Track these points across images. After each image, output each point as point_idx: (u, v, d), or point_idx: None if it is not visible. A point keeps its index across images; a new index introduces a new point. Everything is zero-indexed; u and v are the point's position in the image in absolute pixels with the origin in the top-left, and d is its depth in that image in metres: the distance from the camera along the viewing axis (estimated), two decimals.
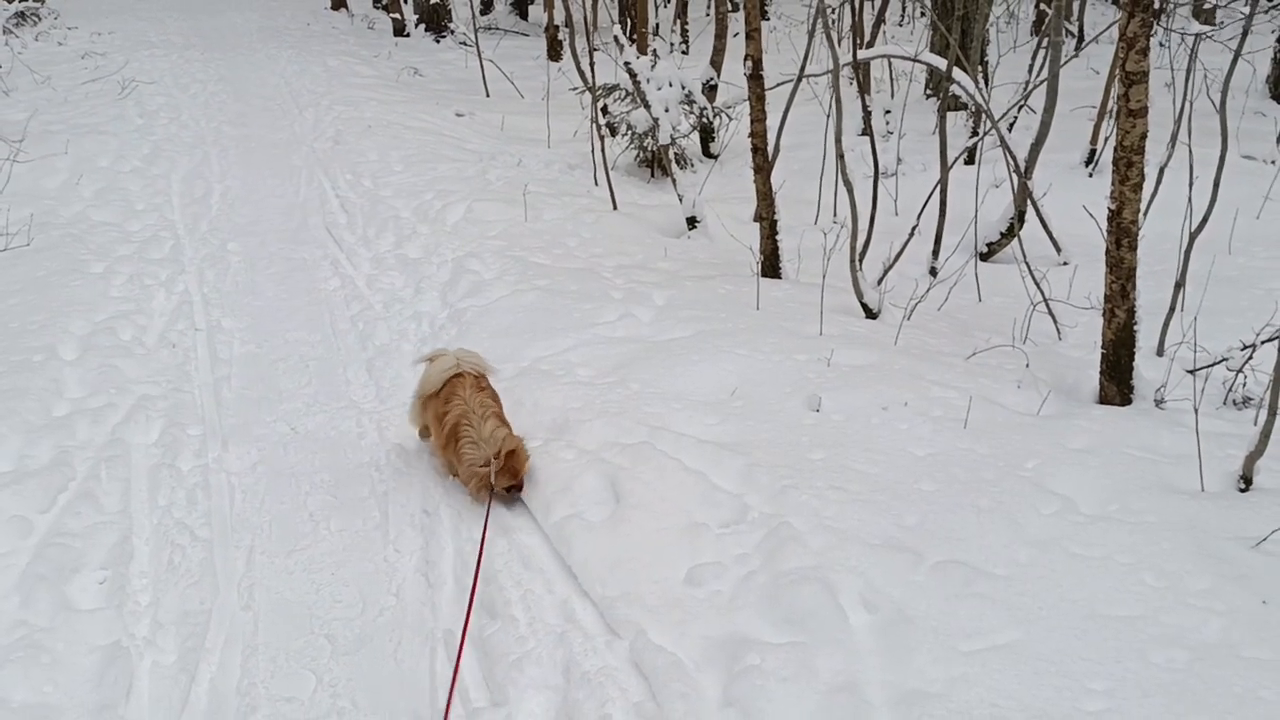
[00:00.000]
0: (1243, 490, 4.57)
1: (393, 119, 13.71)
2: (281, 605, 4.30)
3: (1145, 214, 6.43)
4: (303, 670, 3.92)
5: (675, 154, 11.11)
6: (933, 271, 8.24)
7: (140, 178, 10.88)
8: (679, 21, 18.94)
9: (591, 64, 11.14)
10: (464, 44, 18.59)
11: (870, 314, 7.27)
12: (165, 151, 11.98)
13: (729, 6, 14.74)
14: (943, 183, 8.24)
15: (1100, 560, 4.15)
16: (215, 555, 4.59)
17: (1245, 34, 6.81)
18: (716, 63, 13.22)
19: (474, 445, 4.92)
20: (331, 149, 12.40)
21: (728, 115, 12.59)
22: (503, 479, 4.87)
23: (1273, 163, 10.07)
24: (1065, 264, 8.45)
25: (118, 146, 11.85)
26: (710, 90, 12.76)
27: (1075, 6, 15.55)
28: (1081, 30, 15.05)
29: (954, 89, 8.70)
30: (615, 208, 10.35)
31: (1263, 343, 5.46)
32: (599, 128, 11.25)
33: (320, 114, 14.08)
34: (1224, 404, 5.71)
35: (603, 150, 11.08)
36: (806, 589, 4.05)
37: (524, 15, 24.22)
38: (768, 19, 19.10)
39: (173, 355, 6.68)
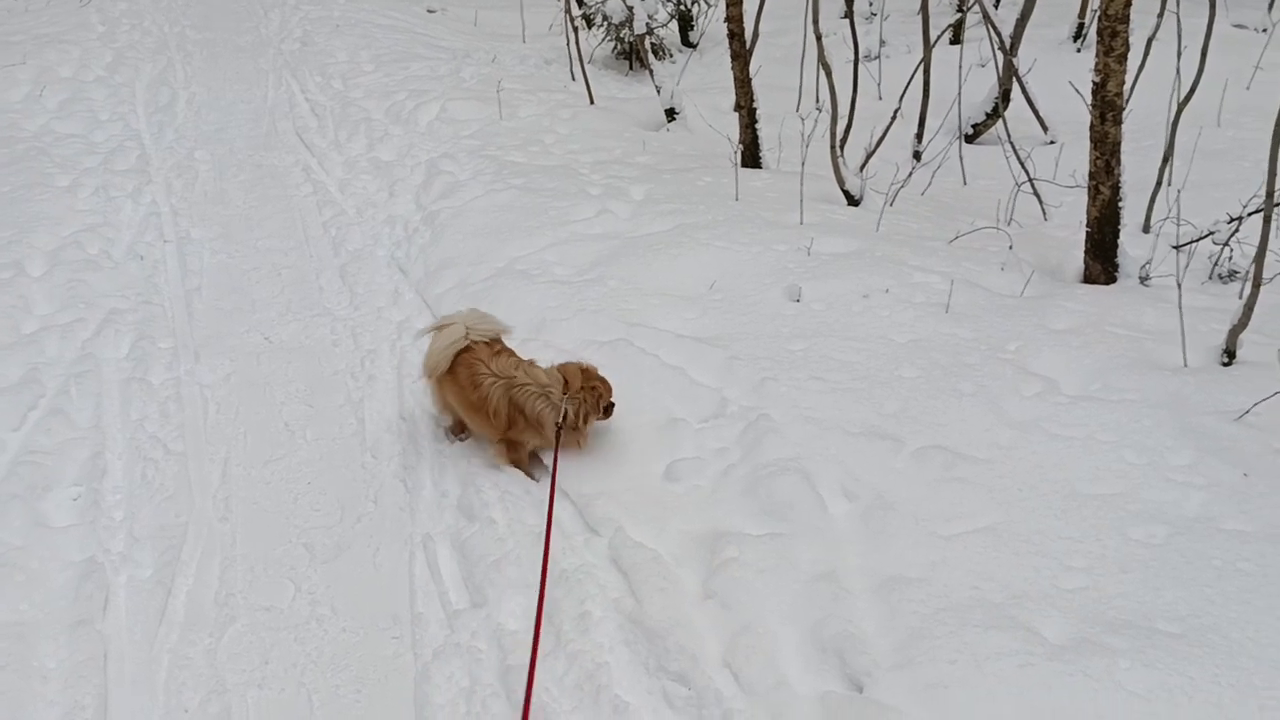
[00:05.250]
0: (1225, 364, 4.51)
1: (362, 17, 13.33)
2: (259, 516, 4.27)
3: (1133, 87, 6.27)
4: (281, 579, 3.90)
5: (653, 44, 10.83)
6: (916, 155, 8.07)
7: (104, 87, 10.58)
8: None
9: None
10: None
11: (852, 201, 7.13)
12: (129, 59, 11.63)
13: None
14: (925, 62, 8.01)
15: (1082, 440, 4.12)
16: (190, 468, 4.54)
17: None
18: None
19: (544, 400, 4.34)
20: (299, 50, 12.07)
21: (706, 1, 12.22)
22: (600, 399, 4.39)
23: (1264, 31, 9.81)
24: (1052, 143, 8.28)
25: (80, 55, 11.48)
26: None
27: None
28: None
29: None
30: (592, 102, 10.10)
31: (1249, 215, 5.35)
32: (573, 19, 10.92)
33: (287, 14, 13.67)
34: (1209, 278, 5.63)
35: (578, 43, 10.76)
36: (786, 480, 4.01)
37: None
38: None
39: (142, 268, 6.55)
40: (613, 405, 4.46)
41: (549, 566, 3.66)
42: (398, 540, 4.10)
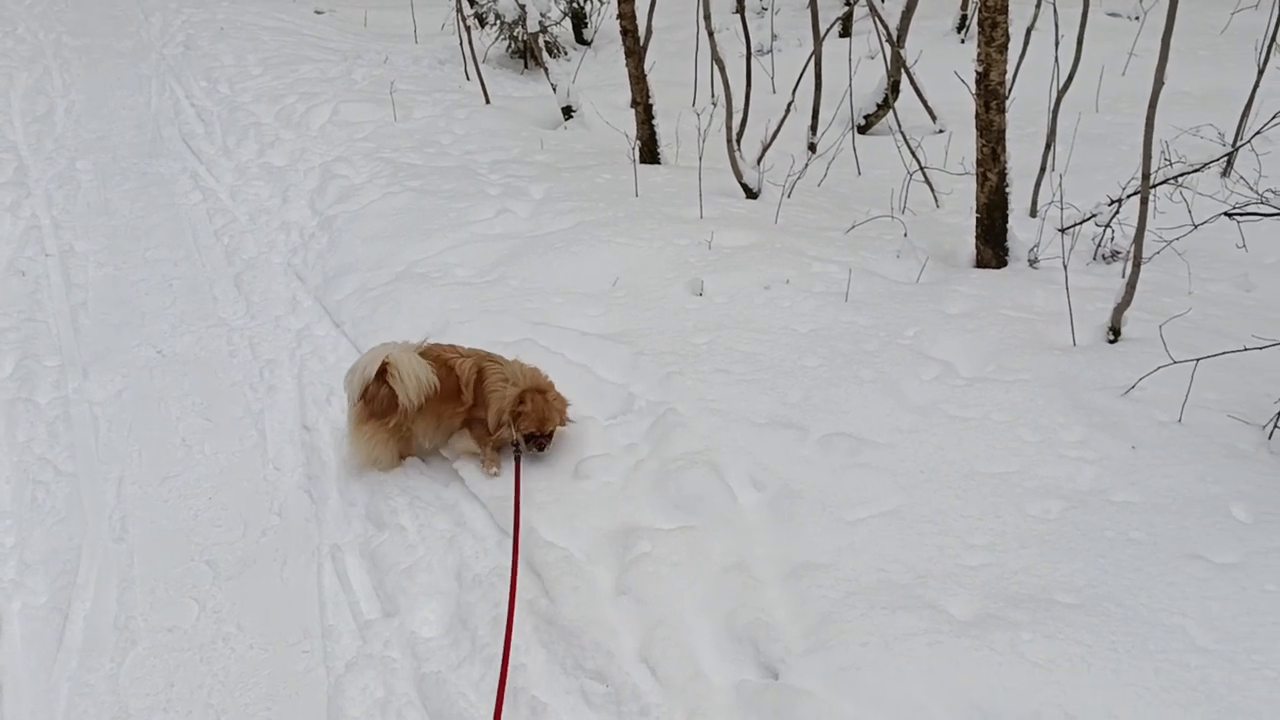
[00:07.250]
0: (1112, 341, 4.68)
1: (247, 20, 13.02)
2: (157, 535, 4.14)
3: (1015, 76, 6.45)
4: (184, 599, 3.79)
5: (546, 42, 10.79)
6: (811, 147, 8.19)
7: None
8: None
9: None
10: None
11: (750, 194, 7.20)
12: (1, 68, 11.18)
13: None
14: (816, 55, 8.13)
15: (978, 420, 4.23)
16: (82, 489, 4.39)
17: None
18: None
19: (504, 382, 4.26)
20: (183, 55, 11.74)
21: None
22: (525, 424, 4.18)
23: (1136, 19, 10.19)
24: (941, 131, 8.47)
25: None
26: None
27: None
28: None
29: None
30: (488, 102, 10.03)
31: (1128, 197, 5.55)
32: (466, 19, 10.82)
33: (168, 18, 13.30)
34: (1094, 259, 5.82)
35: (471, 43, 10.68)
36: (695, 473, 4.04)
37: None
38: None
39: (23, 284, 6.31)
40: (539, 439, 4.24)
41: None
42: (305, 552, 4.01)
